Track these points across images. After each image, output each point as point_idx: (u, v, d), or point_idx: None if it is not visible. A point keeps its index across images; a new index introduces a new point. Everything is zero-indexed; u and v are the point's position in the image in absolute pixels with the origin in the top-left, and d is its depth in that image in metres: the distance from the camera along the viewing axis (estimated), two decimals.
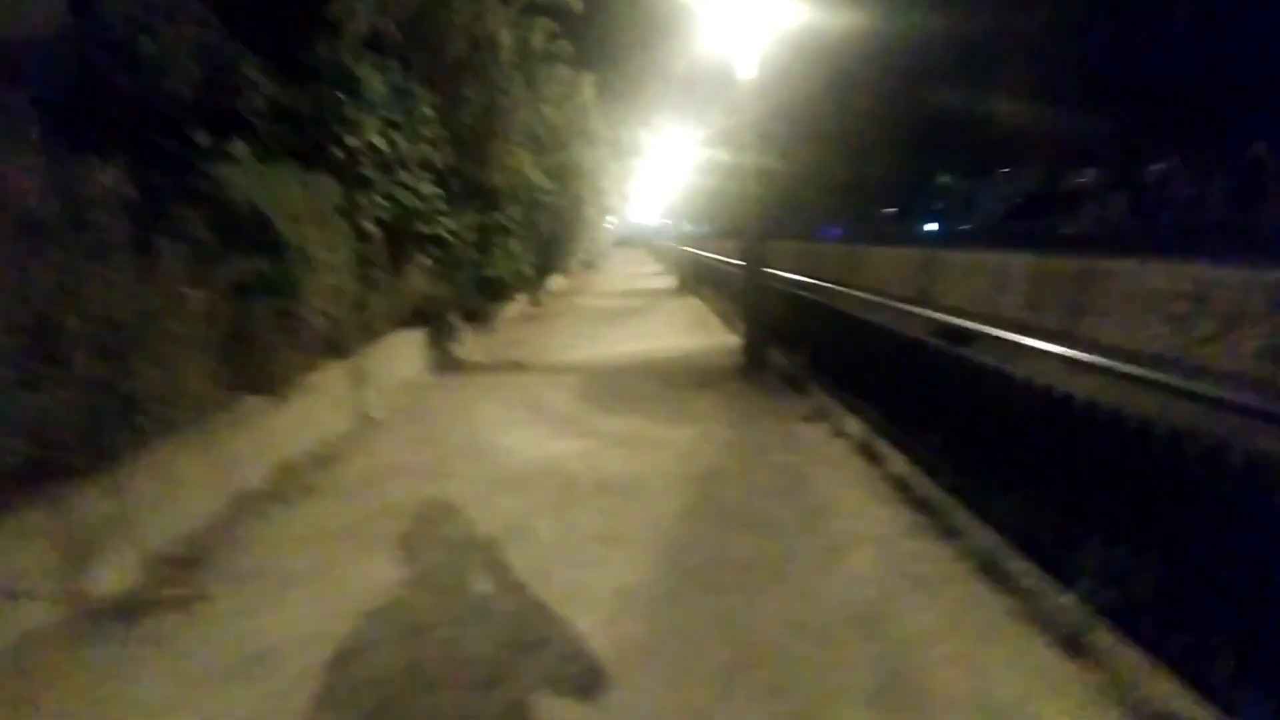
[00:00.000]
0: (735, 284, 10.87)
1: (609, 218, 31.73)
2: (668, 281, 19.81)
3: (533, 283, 11.23)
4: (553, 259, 14.13)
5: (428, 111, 6.65)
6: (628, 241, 51.59)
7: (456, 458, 4.71)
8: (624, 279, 23.08)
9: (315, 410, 4.91)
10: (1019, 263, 15.30)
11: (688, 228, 33.84)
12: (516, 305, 12.67)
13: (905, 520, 3.44)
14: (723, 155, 19.36)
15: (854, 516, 3.53)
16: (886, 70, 22.97)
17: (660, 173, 26.66)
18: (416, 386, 6.85)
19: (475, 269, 8.70)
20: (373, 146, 5.84)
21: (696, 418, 5.55)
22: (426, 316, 7.49)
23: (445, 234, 7.04)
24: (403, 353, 6.84)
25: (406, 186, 6.45)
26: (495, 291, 9.40)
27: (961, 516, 3.27)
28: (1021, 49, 20.50)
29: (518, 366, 7.96)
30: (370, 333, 6.21)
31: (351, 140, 5.64)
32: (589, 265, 26.66)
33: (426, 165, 6.88)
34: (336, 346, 5.47)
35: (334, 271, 5.34)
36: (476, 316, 9.14)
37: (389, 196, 6.24)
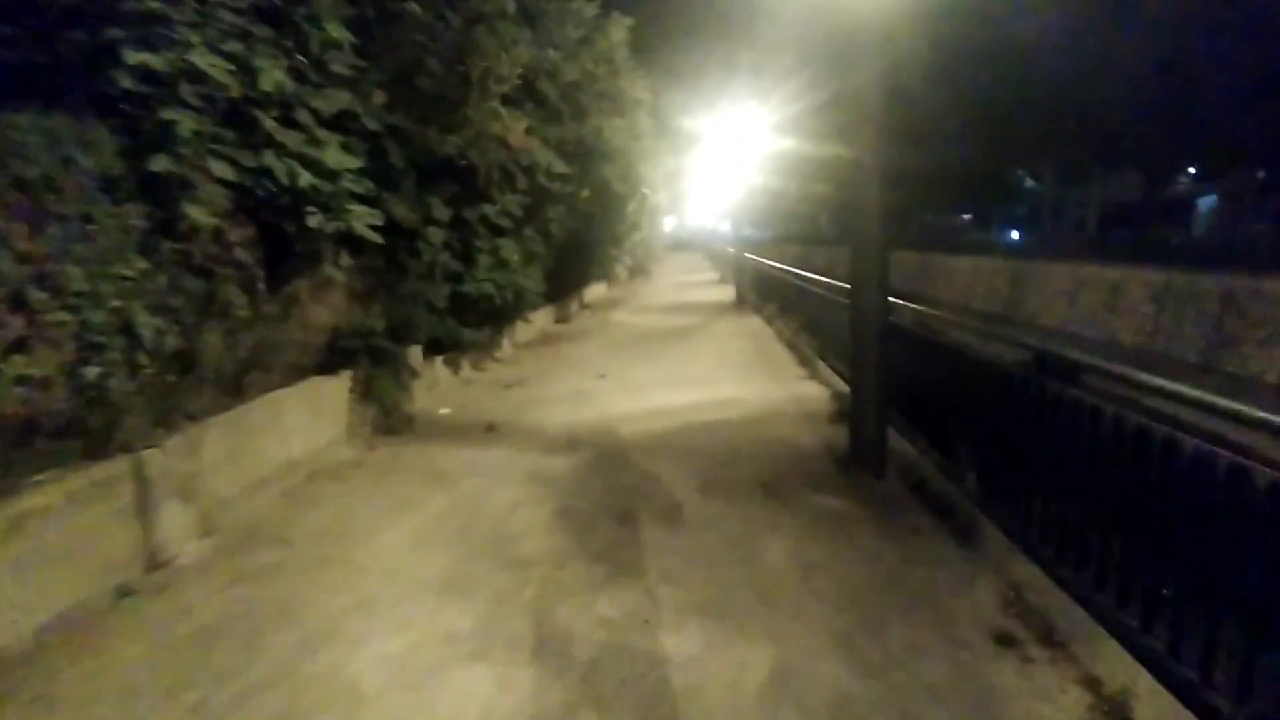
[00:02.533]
0: (809, 302, 8.23)
1: (663, 217, 29.07)
2: (723, 293, 16.91)
3: (538, 299, 8.54)
4: (578, 267, 11.46)
5: (334, 32, 4.07)
6: (685, 245, 48.73)
7: None
8: (674, 289, 20.34)
9: None
10: (1140, 279, 13.17)
11: (749, 232, 30.95)
12: (536, 323, 10.09)
13: None
14: (797, 145, 16.32)
15: None
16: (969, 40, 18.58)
17: (722, 170, 23.71)
18: (311, 474, 4.30)
19: (448, 283, 6.14)
20: (198, 75, 3.29)
21: (765, 600, 2.77)
22: (354, 355, 4.96)
23: (365, 230, 4.44)
24: (294, 418, 4.30)
25: (290, 153, 3.89)
26: (482, 313, 6.80)
27: None
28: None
29: (492, 433, 5.31)
30: (221, 392, 3.70)
31: (142, 57, 3.10)
32: (640, 272, 24.02)
33: (340, 123, 4.34)
34: (99, 436, 2.95)
35: (88, 299, 2.83)
36: (453, 347, 6.58)
37: (246, 168, 3.70)
